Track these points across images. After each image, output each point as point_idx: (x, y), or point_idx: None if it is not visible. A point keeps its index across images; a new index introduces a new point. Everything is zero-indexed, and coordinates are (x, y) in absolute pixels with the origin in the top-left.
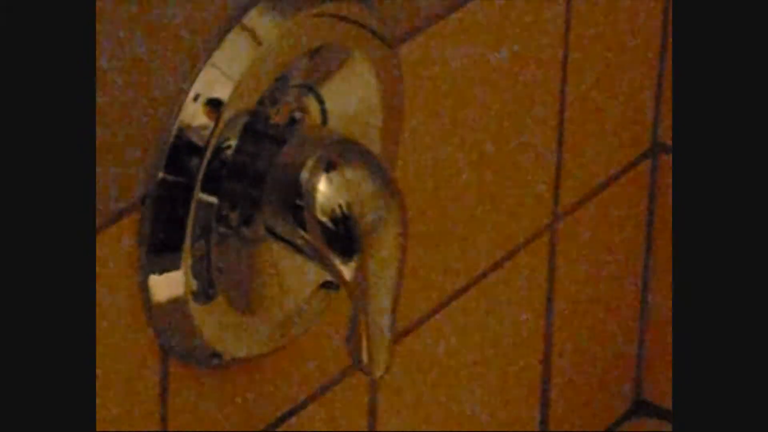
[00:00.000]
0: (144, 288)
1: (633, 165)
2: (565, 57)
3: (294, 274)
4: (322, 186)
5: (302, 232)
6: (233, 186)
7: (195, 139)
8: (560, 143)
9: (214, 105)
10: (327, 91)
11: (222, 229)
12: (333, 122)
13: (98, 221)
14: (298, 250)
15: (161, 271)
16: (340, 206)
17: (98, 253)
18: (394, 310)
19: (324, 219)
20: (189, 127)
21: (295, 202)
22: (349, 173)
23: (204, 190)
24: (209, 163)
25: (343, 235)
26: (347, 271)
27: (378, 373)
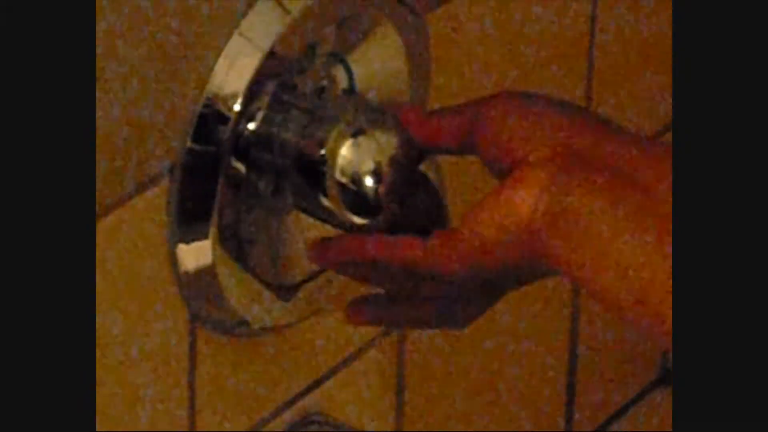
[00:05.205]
0: (172, 257)
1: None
2: (593, 24)
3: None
4: (348, 153)
5: (326, 201)
6: (261, 155)
7: (223, 108)
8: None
9: (242, 74)
10: (355, 60)
11: (250, 199)
12: (361, 91)
13: (127, 190)
14: (324, 219)
15: (189, 241)
16: (366, 173)
17: (128, 221)
18: None
19: (345, 181)
20: (217, 96)
21: (321, 170)
22: (377, 141)
23: (232, 159)
24: (237, 132)
25: (368, 201)
26: None
27: None
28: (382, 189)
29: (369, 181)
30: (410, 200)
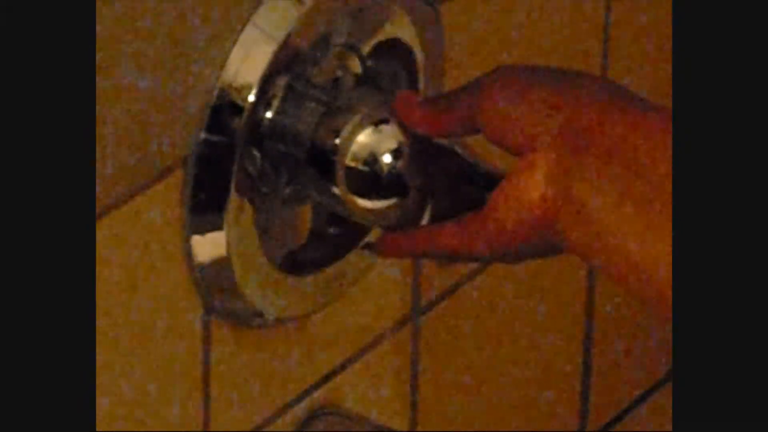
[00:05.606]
0: (187, 248)
1: None
2: (608, 14)
3: (336, 235)
4: (367, 140)
5: (336, 190)
6: (275, 146)
7: (237, 99)
8: None
9: (256, 65)
10: (369, 51)
11: (265, 189)
12: (374, 82)
13: (141, 181)
14: (339, 212)
15: (204, 231)
16: (384, 153)
17: (142, 212)
18: None
19: (356, 165)
20: (231, 87)
21: (333, 160)
22: (391, 131)
23: (246, 150)
24: (251, 123)
25: (381, 181)
26: None
27: None
28: (401, 165)
29: (386, 159)
30: (435, 170)
